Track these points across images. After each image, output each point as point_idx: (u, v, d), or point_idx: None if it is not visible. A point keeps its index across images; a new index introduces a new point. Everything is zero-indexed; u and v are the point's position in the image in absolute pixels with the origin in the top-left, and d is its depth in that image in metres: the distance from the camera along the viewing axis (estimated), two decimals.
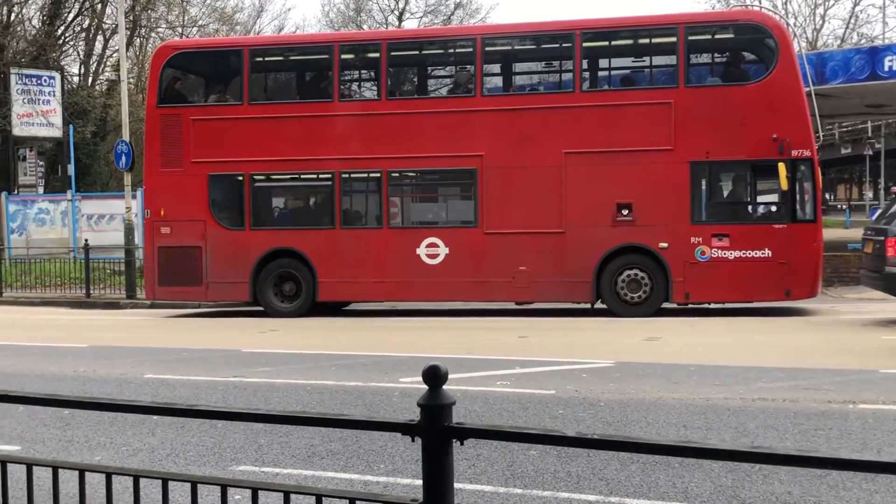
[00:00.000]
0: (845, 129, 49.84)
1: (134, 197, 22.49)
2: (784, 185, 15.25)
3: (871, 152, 49.39)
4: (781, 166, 15.15)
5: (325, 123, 17.14)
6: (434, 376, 2.89)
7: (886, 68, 22.17)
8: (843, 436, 7.24)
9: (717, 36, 17.11)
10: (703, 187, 16.00)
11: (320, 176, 17.43)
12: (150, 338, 14.76)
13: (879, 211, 17.96)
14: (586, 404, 8.58)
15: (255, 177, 17.33)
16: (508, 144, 16.30)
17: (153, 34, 41.17)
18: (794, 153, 15.31)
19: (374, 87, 18.11)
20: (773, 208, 15.91)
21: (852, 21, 45.82)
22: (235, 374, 10.67)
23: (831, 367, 10.39)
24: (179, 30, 41.34)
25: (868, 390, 8.88)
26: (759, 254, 15.46)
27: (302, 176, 17.75)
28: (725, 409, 8.24)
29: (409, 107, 17.27)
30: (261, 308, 17.40)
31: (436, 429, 2.83)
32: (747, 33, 16.60)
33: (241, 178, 17.27)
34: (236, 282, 17.20)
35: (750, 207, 16.11)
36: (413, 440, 2.88)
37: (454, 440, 2.83)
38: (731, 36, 17.06)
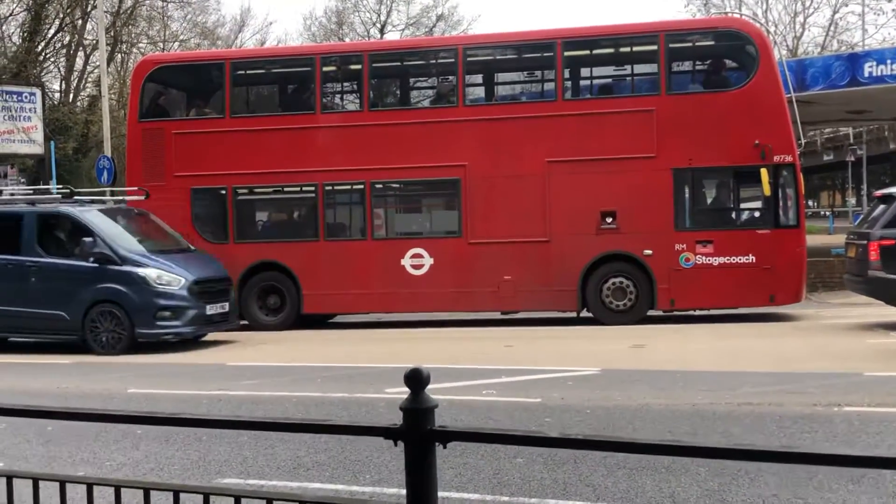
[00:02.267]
0: (827, 137, 50.13)
1: None
2: (767, 190, 15.31)
3: (853, 159, 49.66)
4: (764, 172, 15.21)
5: (308, 136, 17.11)
6: (416, 380, 2.86)
7: (866, 74, 22.32)
8: (829, 438, 7.25)
9: (697, 43, 17.18)
10: (687, 194, 16.05)
11: (303, 188, 17.38)
12: (133, 353, 14.64)
13: (862, 216, 18.05)
14: (572, 412, 8.56)
15: (238, 190, 17.28)
16: (492, 154, 16.31)
17: (134, 49, 41.09)
18: (777, 159, 15.37)
19: (357, 99, 18.11)
20: (757, 214, 15.97)
21: (832, 29, 46.13)
22: (220, 387, 10.61)
23: (816, 370, 10.41)
24: (161, 45, 41.26)
25: (853, 393, 8.90)
26: (743, 260, 15.50)
27: (285, 188, 17.71)
28: (711, 414, 8.24)
29: (391, 118, 17.26)
30: (245, 322, 17.30)
31: (418, 432, 2.80)
32: (728, 40, 16.69)
33: (223, 191, 17.21)
34: None
35: (733, 214, 16.17)
36: (395, 444, 2.85)
37: (437, 443, 2.80)
38: (712, 43, 17.13)
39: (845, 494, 5.81)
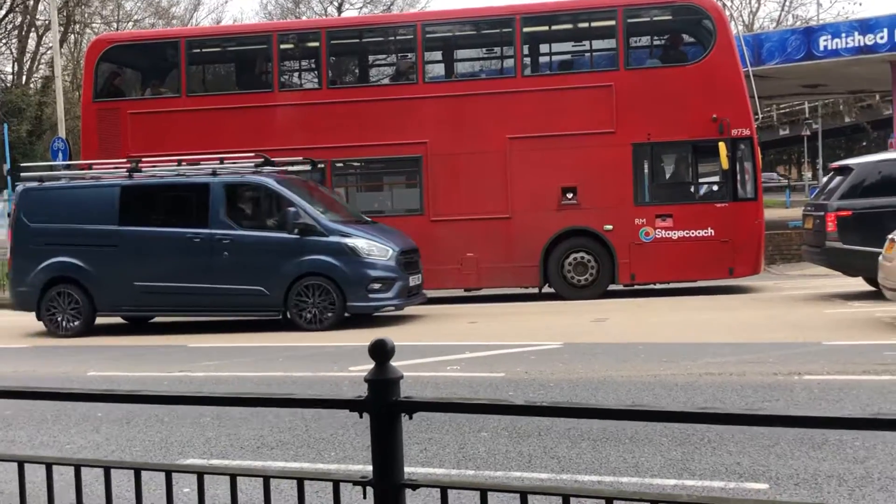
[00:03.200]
0: (783, 111, 50.61)
1: None
2: (725, 164, 15.43)
3: (808, 133, 50.20)
4: (722, 146, 15.32)
5: (266, 114, 16.94)
6: (381, 351, 2.83)
7: (822, 48, 22.52)
8: (790, 406, 7.34)
9: (655, 18, 17.22)
10: (646, 169, 16.12)
11: None
12: (92, 335, 14.47)
13: (818, 189, 18.27)
14: (536, 385, 8.59)
15: None
16: (452, 131, 16.26)
17: (88, 30, 40.44)
18: (734, 132, 15.49)
19: (315, 77, 17.95)
20: (715, 188, 16.10)
21: (787, 3, 46.48)
22: (181, 368, 10.52)
23: (776, 340, 10.54)
24: (114, 25, 40.62)
25: (812, 362, 9.01)
26: (702, 233, 15.62)
27: None
28: (673, 384, 8.31)
29: (351, 95, 17.14)
30: None
31: (384, 404, 2.77)
32: (685, 14, 16.73)
33: None
34: None
35: (692, 187, 16.28)
36: (361, 416, 2.83)
37: (403, 414, 2.78)
38: (669, 18, 17.19)
39: (807, 461, 5.88)
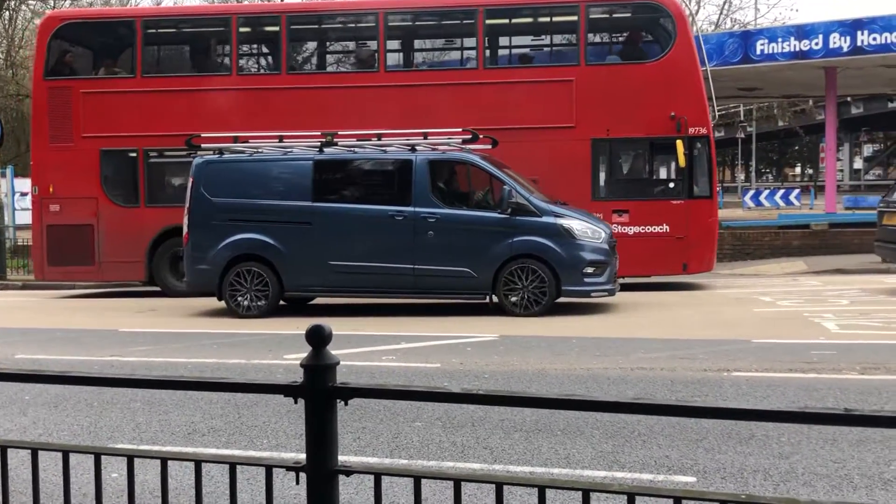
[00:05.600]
0: (718, 113, 51.43)
1: (3, 175, 21.56)
2: (682, 161, 15.59)
3: (743, 135, 51.09)
4: (679, 143, 15.49)
5: (223, 98, 16.76)
6: (318, 336, 2.84)
7: (758, 52, 22.90)
8: (718, 401, 7.49)
9: (616, 15, 17.38)
10: (604, 164, 16.29)
11: None
12: (23, 319, 14.21)
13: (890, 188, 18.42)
14: (471, 376, 8.67)
15: (150, 152, 16.89)
16: (412, 121, 16.08)
17: (24, 6, 39.36)
18: (692, 131, 15.68)
19: (274, 62, 17.78)
20: (671, 185, 16.24)
21: (726, 7, 47.01)
22: (112, 353, 10.40)
23: (707, 337, 10.75)
24: (52, 3, 39.62)
25: (742, 359, 9.21)
26: (657, 229, 15.80)
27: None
28: (605, 378, 8.44)
29: (310, 81, 17.08)
30: (155, 288, 16.90)
31: (319, 389, 2.78)
32: (646, 12, 16.86)
33: (134, 153, 16.80)
34: (131, 261, 16.67)
35: (649, 184, 16.47)
36: (296, 402, 2.83)
37: (338, 400, 2.80)
38: (631, 15, 17.33)
39: (734, 455, 6.03)
